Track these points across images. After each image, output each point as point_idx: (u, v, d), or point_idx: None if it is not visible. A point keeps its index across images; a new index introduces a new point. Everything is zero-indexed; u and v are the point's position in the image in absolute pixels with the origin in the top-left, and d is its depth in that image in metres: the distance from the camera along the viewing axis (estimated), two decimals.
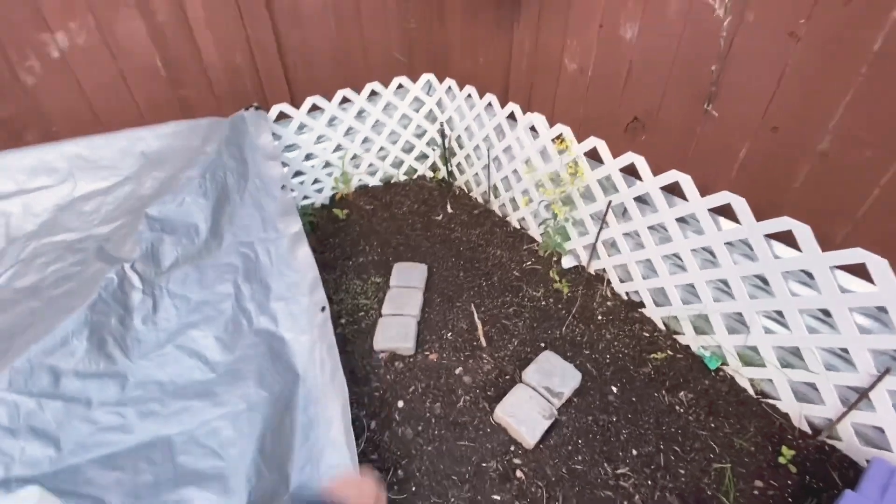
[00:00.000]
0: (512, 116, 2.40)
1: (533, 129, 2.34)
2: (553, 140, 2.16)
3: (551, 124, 2.16)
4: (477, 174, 2.90)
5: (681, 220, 1.85)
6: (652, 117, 1.87)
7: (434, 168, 3.27)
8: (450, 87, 2.79)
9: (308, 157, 2.82)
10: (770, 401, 1.76)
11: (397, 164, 3.19)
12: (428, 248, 2.63)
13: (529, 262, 2.46)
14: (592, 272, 2.33)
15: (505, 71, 2.45)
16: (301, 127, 2.67)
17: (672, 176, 1.72)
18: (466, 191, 3.11)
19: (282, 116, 2.55)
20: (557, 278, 2.30)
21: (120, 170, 2.09)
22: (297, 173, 2.84)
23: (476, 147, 2.80)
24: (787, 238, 1.50)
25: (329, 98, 2.62)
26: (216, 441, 1.32)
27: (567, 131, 2.06)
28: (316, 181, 2.96)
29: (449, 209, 2.96)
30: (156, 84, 2.21)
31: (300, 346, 1.74)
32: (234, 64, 2.34)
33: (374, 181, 3.16)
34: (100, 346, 1.41)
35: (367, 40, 2.66)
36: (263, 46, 2.36)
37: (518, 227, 2.74)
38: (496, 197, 2.84)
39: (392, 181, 3.23)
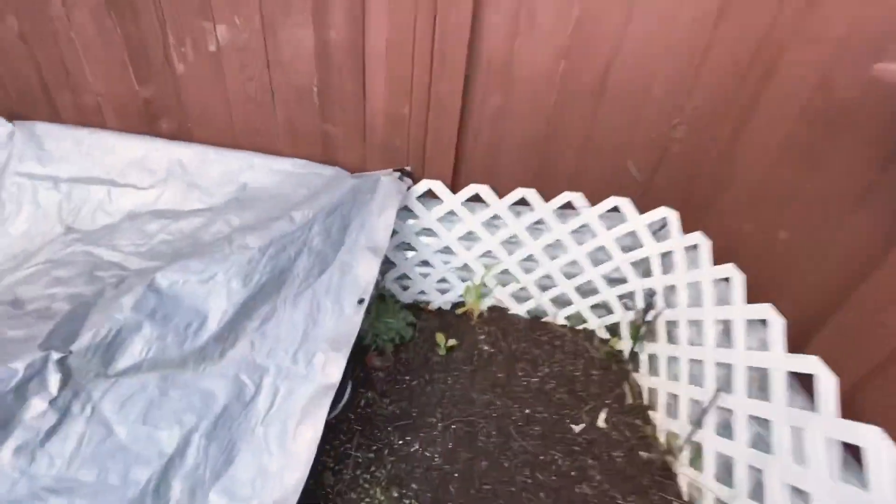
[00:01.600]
0: None
1: None
2: None
3: None
4: (676, 398, 1.65)
5: None
6: None
7: (614, 330, 2.12)
8: (696, 246, 1.63)
9: (443, 250, 2.04)
10: None
11: (562, 302, 2.15)
12: (521, 489, 1.53)
13: None
14: None
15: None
16: (449, 214, 1.90)
17: None
18: (647, 403, 1.85)
19: (429, 195, 1.83)
20: None
21: (210, 196, 1.67)
22: (424, 262, 2.10)
23: (701, 361, 1.56)
24: None
25: (501, 193, 1.78)
26: None
27: None
28: (443, 280, 2.17)
29: (601, 422, 1.78)
30: (303, 109, 1.74)
31: None
32: (398, 114, 1.71)
33: (517, 309, 2.20)
34: None
35: (596, 129, 1.72)
36: (443, 103, 1.66)
37: None
38: (698, 468, 1.52)
39: (542, 319, 2.21)
